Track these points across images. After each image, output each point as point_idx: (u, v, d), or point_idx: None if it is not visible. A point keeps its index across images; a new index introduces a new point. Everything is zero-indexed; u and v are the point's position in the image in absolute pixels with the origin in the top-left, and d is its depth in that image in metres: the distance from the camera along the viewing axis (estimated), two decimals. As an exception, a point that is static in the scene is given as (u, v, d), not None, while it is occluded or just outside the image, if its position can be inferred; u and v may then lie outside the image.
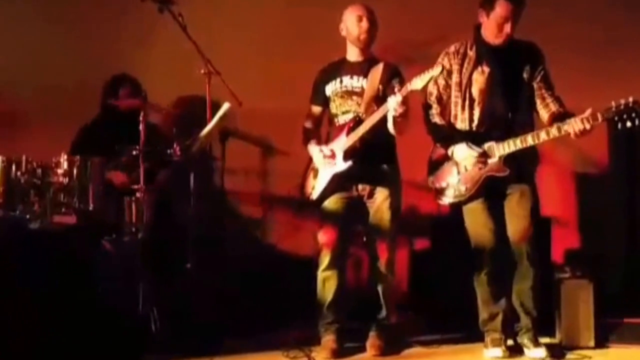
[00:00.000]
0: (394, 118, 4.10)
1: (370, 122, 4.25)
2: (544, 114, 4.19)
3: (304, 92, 4.62)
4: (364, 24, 4.40)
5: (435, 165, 4.36)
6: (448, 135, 4.26)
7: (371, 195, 4.42)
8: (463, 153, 4.15)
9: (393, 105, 4.04)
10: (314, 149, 4.44)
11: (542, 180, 4.40)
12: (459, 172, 4.23)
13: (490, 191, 4.21)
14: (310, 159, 4.52)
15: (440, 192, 4.31)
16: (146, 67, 5.19)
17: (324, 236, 4.37)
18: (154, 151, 4.51)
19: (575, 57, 5.30)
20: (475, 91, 4.22)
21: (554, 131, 4.00)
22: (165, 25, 4.65)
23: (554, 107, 4.15)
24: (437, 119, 4.31)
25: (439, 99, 4.31)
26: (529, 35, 4.27)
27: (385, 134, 4.27)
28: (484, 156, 4.12)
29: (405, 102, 4.03)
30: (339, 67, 4.51)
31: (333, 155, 4.35)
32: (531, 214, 4.19)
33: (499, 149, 4.15)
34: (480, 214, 4.24)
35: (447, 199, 4.30)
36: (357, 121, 4.35)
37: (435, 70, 4.00)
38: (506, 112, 4.19)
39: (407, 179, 4.53)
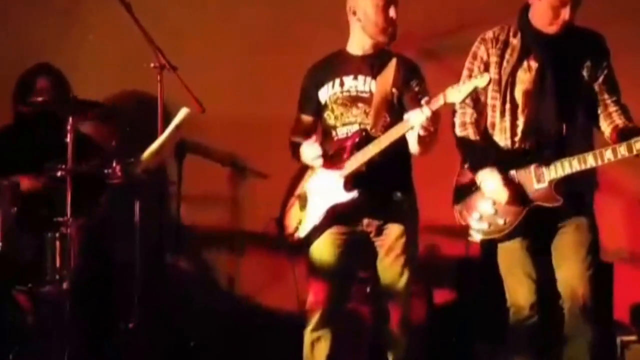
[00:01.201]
0: (420, 137, 3.68)
1: (385, 141, 3.77)
2: (605, 127, 3.79)
3: (287, 95, 4.13)
4: (393, 12, 3.89)
5: (464, 190, 3.88)
6: (482, 152, 3.81)
7: (380, 232, 3.90)
8: (491, 181, 3.70)
9: (420, 122, 3.59)
10: (310, 147, 3.88)
11: (602, 213, 3.92)
12: (495, 201, 3.77)
13: (535, 226, 3.75)
14: (292, 181, 4.01)
15: (470, 226, 3.85)
16: (75, 59, 4.88)
17: (313, 295, 3.96)
18: (86, 171, 4.18)
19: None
20: (518, 93, 3.77)
21: (622, 150, 3.58)
22: (103, 4, 4.48)
23: (618, 120, 3.76)
24: (470, 130, 3.88)
25: (474, 101, 3.88)
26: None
27: (398, 152, 3.80)
28: (513, 184, 3.68)
29: (436, 117, 3.60)
30: (337, 63, 4.01)
31: (342, 161, 3.87)
32: (589, 253, 3.77)
33: (550, 172, 3.69)
34: (519, 254, 3.81)
35: (479, 235, 3.85)
36: (364, 136, 3.86)
37: (481, 80, 3.57)
38: (559, 123, 3.75)
39: (425, 211, 4.04)
